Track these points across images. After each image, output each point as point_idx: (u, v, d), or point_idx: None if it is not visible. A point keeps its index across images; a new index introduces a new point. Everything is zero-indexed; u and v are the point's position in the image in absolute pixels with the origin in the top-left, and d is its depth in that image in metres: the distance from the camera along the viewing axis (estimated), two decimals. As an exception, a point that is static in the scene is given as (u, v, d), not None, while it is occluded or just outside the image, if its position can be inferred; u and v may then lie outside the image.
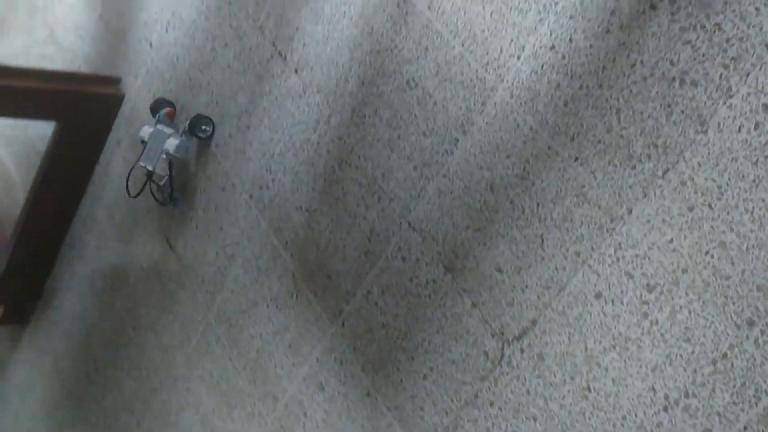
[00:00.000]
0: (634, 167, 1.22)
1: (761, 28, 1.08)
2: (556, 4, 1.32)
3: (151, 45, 2.26)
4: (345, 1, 1.70)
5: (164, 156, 2.08)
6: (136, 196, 2.22)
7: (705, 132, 1.14)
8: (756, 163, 1.08)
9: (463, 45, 1.47)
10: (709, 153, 1.13)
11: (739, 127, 1.10)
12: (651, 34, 1.20)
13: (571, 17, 1.30)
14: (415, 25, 1.56)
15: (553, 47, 1.33)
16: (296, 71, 1.82)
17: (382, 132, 1.63)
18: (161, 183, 2.15)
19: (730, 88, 1.11)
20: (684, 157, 1.16)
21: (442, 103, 1.51)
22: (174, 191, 2.14)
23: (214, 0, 2.05)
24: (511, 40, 1.40)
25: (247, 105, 1.95)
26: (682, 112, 1.16)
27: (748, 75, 1.10)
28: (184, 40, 2.14)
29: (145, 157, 2.10)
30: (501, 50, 1.41)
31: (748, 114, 1.09)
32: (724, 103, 1.12)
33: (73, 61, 2.59)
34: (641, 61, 1.21)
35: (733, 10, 1.11)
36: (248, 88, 1.95)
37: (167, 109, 2.13)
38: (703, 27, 1.14)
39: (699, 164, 1.14)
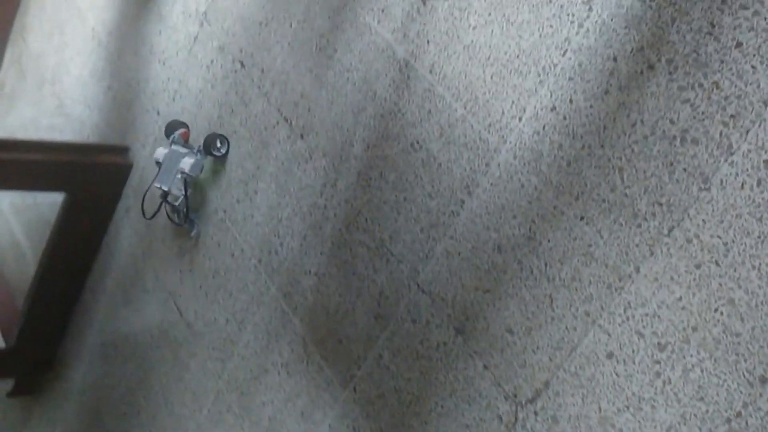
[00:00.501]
0: (639, 225, 1.23)
1: (758, 86, 1.10)
2: (555, 66, 1.35)
3: (158, 114, 2.31)
4: (348, 67, 1.74)
5: (179, 176, 2.09)
6: (151, 218, 2.22)
7: (708, 189, 1.15)
8: (760, 220, 1.09)
9: (465, 107, 1.50)
10: (713, 210, 1.14)
11: (742, 184, 1.12)
12: (650, 93, 1.22)
13: (570, 79, 1.33)
14: (417, 89, 1.60)
15: (554, 108, 1.36)
16: (302, 136, 1.86)
17: (388, 194, 1.65)
18: (176, 203, 2.14)
19: (730, 146, 1.13)
20: (689, 215, 1.17)
21: (446, 165, 1.54)
22: (189, 211, 2.14)
23: (220, 69, 2.10)
24: (513, 102, 1.42)
25: (255, 170, 1.98)
26: (685, 169, 1.18)
27: (748, 132, 1.12)
28: (191, 108, 2.19)
29: (160, 178, 2.11)
30: (503, 112, 1.44)
31: (750, 171, 1.11)
32: (726, 160, 1.13)
33: (81, 131, 2.65)
34: (641, 121, 1.23)
35: (730, 69, 1.13)
36: (255, 153, 1.98)
37: (182, 131, 2.15)
38: (701, 86, 1.17)
39: (704, 221, 1.15)
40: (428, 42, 1.57)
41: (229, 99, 2.06)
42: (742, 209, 1.12)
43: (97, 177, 2.34)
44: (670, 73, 1.20)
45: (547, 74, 1.37)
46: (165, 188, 2.11)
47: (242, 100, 2.02)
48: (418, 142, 1.59)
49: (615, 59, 1.27)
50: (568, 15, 1.33)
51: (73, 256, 2.51)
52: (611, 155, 1.27)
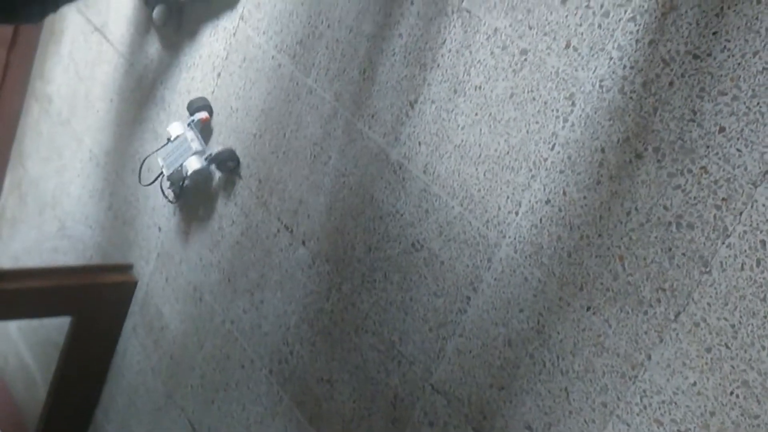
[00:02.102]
0: (646, 312, 1.24)
1: (746, 168, 1.14)
2: (545, 160, 1.39)
3: (160, 229, 2.34)
4: (343, 173, 1.78)
5: (180, 168, 2.05)
6: (149, 185, 2.22)
7: (709, 272, 1.17)
8: (764, 299, 1.11)
9: (461, 205, 1.54)
10: (716, 293, 1.16)
11: (742, 265, 1.14)
12: (641, 181, 1.26)
13: (561, 172, 1.37)
14: (413, 190, 1.63)
15: (548, 201, 1.39)
16: (304, 243, 1.89)
17: (394, 295, 1.67)
18: (173, 185, 2.13)
19: (726, 228, 1.16)
20: (693, 299, 1.19)
21: (449, 263, 1.56)
22: (184, 190, 2.13)
23: (218, 181, 2.14)
24: (507, 197, 1.46)
25: (259, 280, 2.01)
26: (684, 254, 1.20)
27: (741, 214, 1.14)
28: (192, 222, 2.23)
29: (165, 156, 2.04)
30: (499, 207, 1.47)
31: (747, 252, 1.13)
32: (723, 242, 1.16)
33: (84, 252, 2.68)
34: (636, 208, 1.26)
35: (716, 153, 1.17)
36: (258, 263, 2.01)
37: (203, 114, 2.07)
38: (690, 171, 1.20)
39: (709, 305, 1.17)
40: (420, 144, 1.62)
41: (229, 210, 2.10)
42: (745, 290, 1.13)
43: (103, 297, 2.37)
44: (658, 161, 1.23)
45: (539, 168, 1.40)
46: (165, 171, 2.06)
47: (242, 210, 2.06)
48: (418, 242, 1.62)
49: (603, 150, 1.31)
50: (553, 111, 1.38)
51: (83, 378, 2.51)
52: (610, 244, 1.30)
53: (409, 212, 1.64)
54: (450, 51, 1.55)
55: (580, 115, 1.34)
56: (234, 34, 2.07)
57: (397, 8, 1.66)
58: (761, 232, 1.12)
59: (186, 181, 2.09)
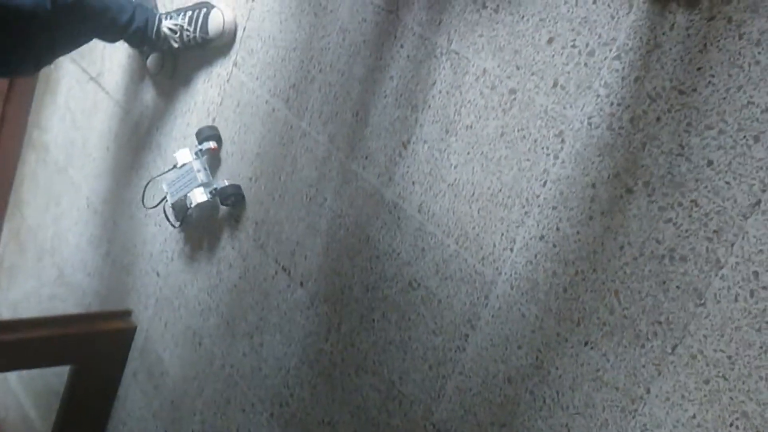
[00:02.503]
0: (643, 346, 1.25)
1: (735, 201, 1.15)
2: (538, 197, 1.41)
3: (158, 275, 2.35)
4: (339, 214, 1.80)
5: (184, 198, 2.03)
6: (153, 208, 2.22)
7: (704, 304, 1.18)
8: (759, 330, 1.12)
9: (457, 243, 1.55)
10: (712, 325, 1.17)
11: (736, 297, 1.15)
12: (633, 216, 1.27)
13: (554, 208, 1.38)
14: (408, 229, 1.65)
15: (542, 237, 1.40)
16: (301, 284, 1.90)
17: (392, 335, 1.68)
18: (175, 209, 2.11)
19: (718, 260, 1.17)
20: (689, 331, 1.20)
21: (446, 301, 1.57)
22: (187, 219, 2.12)
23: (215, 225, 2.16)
24: (502, 234, 1.47)
25: (258, 322, 2.01)
26: (678, 287, 1.21)
27: (732, 245, 1.16)
28: (190, 266, 2.24)
29: (170, 183, 2.03)
30: (494, 245, 1.48)
31: (741, 283, 1.14)
32: (716, 274, 1.17)
33: (83, 299, 2.69)
34: (629, 243, 1.28)
35: (706, 186, 1.19)
36: (257, 305, 2.02)
37: (212, 144, 2.05)
38: (680, 204, 1.22)
39: (705, 336, 1.18)
40: (413, 183, 1.64)
41: (226, 254, 2.11)
42: (741, 321, 1.14)
43: (102, 345, 2.37)
44: (648, 195, 1.25)
45: (531, 205, 1.42)
46: (169, 199, 2.05)
47: (239, 253, 2.07)
48: (415, 280, 1.63)
49: (594, 186, 1.32)
50: (543, 148, 1.40)
51: (83, 426, 2.50)
52: (605, 279, 1.31)
53: (406, 251, 1.65)
54: (440, 92, 1.58)
55: (570, 152, 1.36)
56: (228, 80, 2.10)
57: (387, 51, 1.69)
58: (753, 263, 1.13)
59: (190, 212, 2.08)
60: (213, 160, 2.14)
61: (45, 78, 2.91)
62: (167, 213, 2.18)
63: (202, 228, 2.19)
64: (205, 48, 2.12)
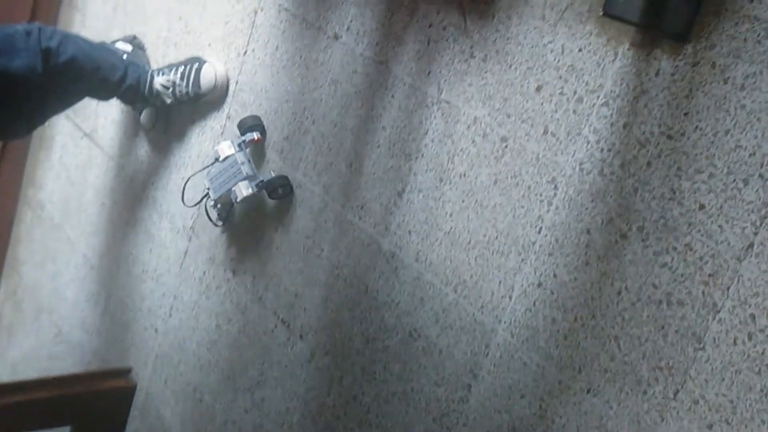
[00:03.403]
0: (645, 392, 1.26)
1: (729, 244, 1.17)
2: (533, 243, 1.43)
3: (156, 331, 2.37)
4: (336, 264, 1.82)
5: (227, 192, 1.95)
6: (194, 206, 2.13)
7: (703, 348, 1.20)
8: (759, 373, 1.13)
9: (455, 291, 1.57)
10: (712, 369, 1.18)
11: (734, 340, 1.16)
12: (628, 261, 1.29)
13: (550, 254, 1.40)
14: (406, 278, 1.67)
15: (540, 284, 1.42)
16: (301, 337, 1.91)
17: (395, 386, 1.69)
18: (219, 206, 2.03)
19: (715, 304, 1.19)
20: (690, 376, 1.21)
21: (447, 351, 1.58)
22: (231, 217, 2.04)
23: (212, 279, 2.18)
24: (500, 282, 1.49)
25: (258, 377, 2.02)
26: (677, 332, 1.23)
27: (728, 289, 1.17)
28: (188, 321, 2.26)
29: (212, 178, 1.95)
30: (492, 293, 1.50)
31: (738, 326, 1.16)
32: (714, 318, 1.19)
33: (82, 357, 2.70)
34: (626, 288, 1.29)
35: (699, 230, 1.21)
36: (257, 360, 2.03)
37: (255, 135, 1.97)
38: (675, 248, 1.24)
39: (706, 381, 1.19)
40: (410, 232, 1.66)
41: (225, 308, 2.13)
42: (740, 365, 1.16)
43: (102, 404, 2.37)
44: (643, 240, 1.27)
45: (528, 252, 1.44)
46: (212, 195, 1.97)
47: (237, 307, 2.09)
48: (416, 330, 1.65)
49: (589, 232, 1.35)
50: (537, 195, 1.42)
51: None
52: (604, 325, 1.32)
53: (404, 301, 1.67)
54: (433, 141, 1.61)
55: (564, 198, 1.38)
56: (222, 133, 2.14)
57: (379, 102, 1.72)
58: (750, 306, 1.15)
59: (235, 206, 2.00)
60: (257, 152, 2.04)
61: (39, 135, 2.95)
62: (209, 212, 2.09)
63: (197, 279, 2.21)
64: (198, 102, 2.16)
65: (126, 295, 2.50)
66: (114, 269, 2.56)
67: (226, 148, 1.97)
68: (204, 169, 2.09)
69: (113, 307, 2.57)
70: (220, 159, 1.97)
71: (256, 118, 2.02)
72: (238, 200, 1.92)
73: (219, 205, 2.05)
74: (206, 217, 2.14)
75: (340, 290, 1.82)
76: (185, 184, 2.19)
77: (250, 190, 1.92)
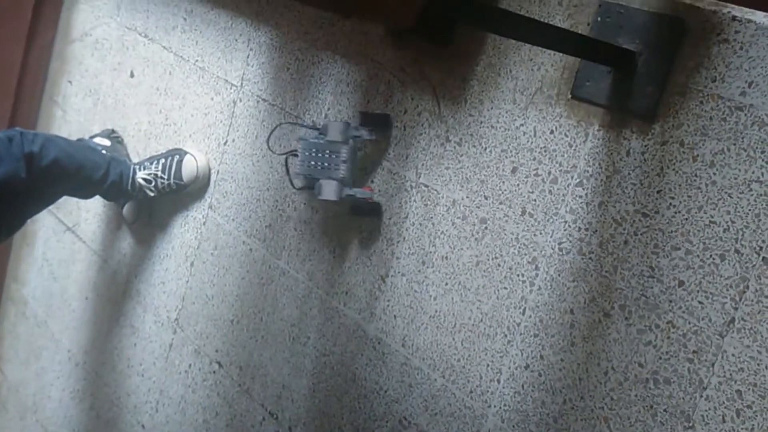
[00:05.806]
0: (638, 475, 1.26)
1: (710, 320, 1.19)
2: (518, 325, 1.44)
3: (143, 427, 2.35)
4: (323, 352, 1.82)
5: (310, 178, 1.72)
6: (283, 154, 1.90)
7: (692, 427, 1.20)
8: (751, 451, 1.14)
9: (443, 377, 1.57)
10: (703, 448, 1.19)
11: (723, 418, 1.17)
12: (613, 340, 1.30)
13: (535, 335, 1.42)
14: (394, 364, 1.67)
15: (527, 366, 1.43)
16: (290, 429, 1.90)
17: (387, 477, 1.67)
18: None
19: (701, 381, 1.20)
20: (682, 457, 1.21)
21: (438, 438, 1.58)
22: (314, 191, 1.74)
23: (198, 372, 2.17)
24: (487, 365, 1.50)
25: (249, 472, 2.00)
26: (665, 411, 1.23)
27: (713, 365, 1.18)
28: (175, 416, 2.24)
29: (306, 147, 1.69)
30: (480, 376, 1.51)
31: (726, 403, 1.17)
32: (701, 396, 1.19)
33: (68, 457, 2.66)
34: (612, 368, 1.30)
35: (680, 307, 1.23)
36: (246, 454, 2.01)
37: (373, 136, 1.69)
38: (657, 326, 1.25)
39: (698, 461, 1.19)
40: (395, 317, 1.67)
41: (212, 401, 2.12)
42: (731, 443, 1.16)
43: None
44: (626, 318, 1.29)
45: (513, 334, 1.45)
46: (299, 167, 1.72)
47: (225, 400, 2.08)
48: (405, 419, 1.64)
49: (572, 312, 1.36)
50: (519, 275, 1.44)
51: None
52: (593, 406, 1.33)
53: (393, 388, 1.67)
54: (413, 224, 1.64)
55: (545, 278, 1.40)
56: (204, 223, 2.16)
57: (358, 187, 1.75)
58: (735, 382, 1.16)
59: (316, 194, 1.69)
60: (362, 148, 1.77)
61: (22, 231, 2.97)
62: (289, 170, 1.86)
63: (182, 372, 2.20)
64: (180, 193, 2.19)
65: (111, 391, 2.49)
66: (99, 365, 2.55)
67: (337, 131, 1.67)
68: (304, 125, 1.85)
69: (99, 404, 2.55)
70: (327, 137, 1.68)
71: (387, 116, 1.72)
72: (320, 196, 1.67)
73: (300, 177, 1.78)
74: (191, 306, 2.15)
75: (328, 379, 1.82)
76: (274, 128, 1.94)
77: (335, 196, 1.66)
